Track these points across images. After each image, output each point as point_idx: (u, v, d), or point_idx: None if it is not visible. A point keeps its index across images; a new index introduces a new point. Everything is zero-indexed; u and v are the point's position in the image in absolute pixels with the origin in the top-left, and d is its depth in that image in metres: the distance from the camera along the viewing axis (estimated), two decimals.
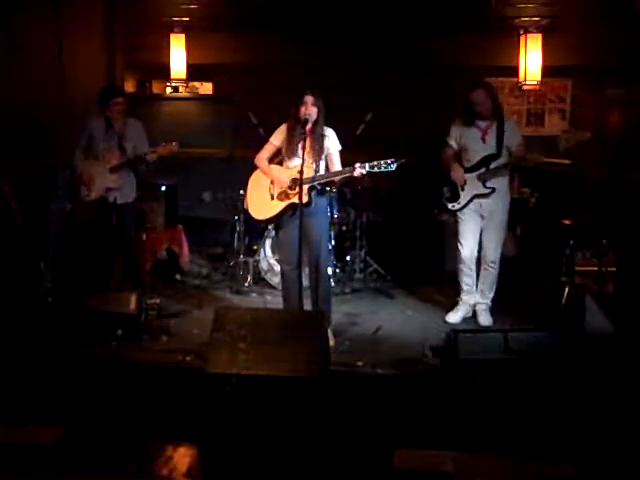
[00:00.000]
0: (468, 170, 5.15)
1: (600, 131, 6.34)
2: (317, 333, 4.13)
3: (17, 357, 4.27)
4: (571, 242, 5.56)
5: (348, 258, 6.33)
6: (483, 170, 5.08)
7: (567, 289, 5.38)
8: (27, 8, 5.90)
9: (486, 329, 5.02)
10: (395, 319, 5.42)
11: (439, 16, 6.93)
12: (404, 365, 4.37)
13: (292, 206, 4.71)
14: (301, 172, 4.48)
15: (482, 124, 5.09)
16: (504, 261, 5.34)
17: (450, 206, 5.22)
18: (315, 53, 7.11)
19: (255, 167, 4.98)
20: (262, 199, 4.84)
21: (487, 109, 5.04)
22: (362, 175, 4.60)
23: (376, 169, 4.56)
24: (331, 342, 4.75)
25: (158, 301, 5.27)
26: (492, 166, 5.06)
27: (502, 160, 5.05)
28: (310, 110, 4.69)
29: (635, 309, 4.73)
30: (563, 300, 5.34)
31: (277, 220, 4.85)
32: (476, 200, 5.13)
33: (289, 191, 4.73)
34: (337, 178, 4.75)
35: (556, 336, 4.29)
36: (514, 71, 7.08)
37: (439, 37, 7.00)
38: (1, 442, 3.35)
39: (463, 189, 5.15)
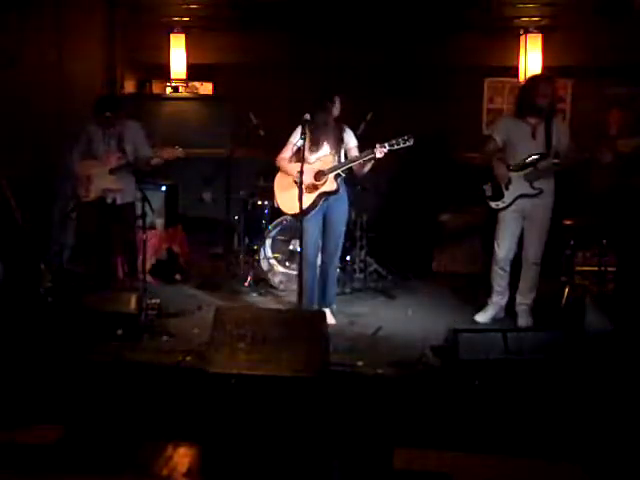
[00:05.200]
0: (515, 169, 4.98)
1: (600, 131, 6.35)
2: (317, 333, 4.13)
3: (17, 357, 4.27)
4: (571, 242, 5.56)
5: (348, 258, 6.33)
6: (531, 170, 4.94)
7: (567, 289, 5.39)
8: (27, 8, 5.90)
9: (487, 329, 4.99)
10: (395, 319, 5.41)
11: (439, 16, 6.94)
12: (404, 365, 4.36)
13: (323, 194, 5.01)
14: (319, 172, 4.91)
15: (532, 120, 4.95)
16: None
17: (494, 205, 5.08)
18: (315, 53, 7.12)
19: (271, 168, 5.24)
20: (292, 196, 4.95)
21: (549, 104, 4.93)
22: (384, 154, 4.81)
23: (396, 146, 4.82)
24: (332, 321, 5.00)
25: (158, 301, 5.26)
26: (540, 166, 4.92)
27: (550, 160, 4.92)
28: (337, 103, 5.08)
29: (635, 309, 4.73)
30: (563, 300, 5.34)
31: (311, 211, 5.01)
32: (520, 201, 4.99)
33: (316, 182, 4.99)
34: (360, 161, 4.95)
35: (556, 336, 4.30)
36: (514, 71, 7.08)
37: (439, 37, 7.00)
38: (1, 442, 3.35)
39: (508, 188, 5.00)
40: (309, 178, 4.98)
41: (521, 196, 4.99)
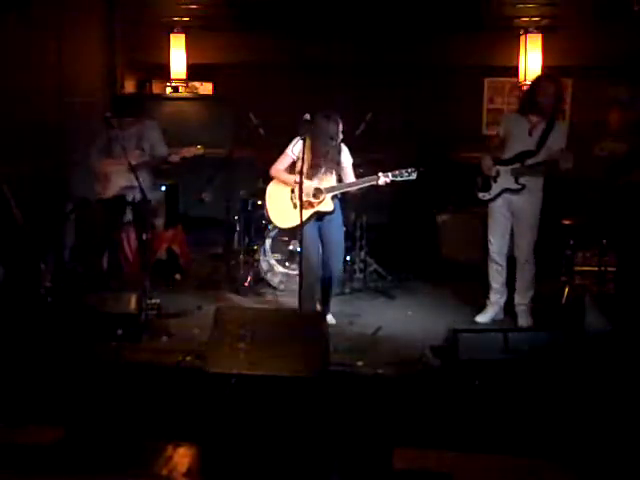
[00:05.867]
0: (504, 162, 5.06)
1: (600, 131, 6.35)
2: (317, 333, 4.13)
3: (17, 357, 4.27)
4: (571, 242, 5.55)
5: (348, 258, 6.33)
6: (517, 165, 5.00)
7: (567, 289, 5.39)
8: (27, 8, 5.90)
9: (487, 329, 5.00)
10: (395, 319, 5.41)
11: (439, 16, 6.94)
12: (404, 365, 4.36)
13: (318, 213, 4.97)
14: (317, 190, 4.74)
15: (534, 118, 5.00)
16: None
17: (480, 196, 5.19)
18: (315, 53, 7.13)
19: (266, 177, 5.22)
20: (285, 209, 5.01)
21: (549, 105, 4.94)
22: (386, 184, 4.87)
23: (399, 178, 4.88)
24: (332, 321, 5.04)
25: (158, 301, 5.26)
26: (527, 163, 4.98)
27: (538, 159, 4.96)
28: (340, 127, 4.97)
29: (635, 309, 4.73)
30: (563, 300, 5.35)
31: (303, 227, 4.90)
32: (506, 195, 5.06)
33: (313, 200, 4.92)
34: (361, 186, 4.99)
35: (556, 336, 4.30)
36: (514, 71, 7.08)
37: (439, 37, 7.01)
38: (1, 442, 3.35)
39: (496, 181, 5.09)
40: (306, 194, 4.86)
41: (506, 190, 5.06)
